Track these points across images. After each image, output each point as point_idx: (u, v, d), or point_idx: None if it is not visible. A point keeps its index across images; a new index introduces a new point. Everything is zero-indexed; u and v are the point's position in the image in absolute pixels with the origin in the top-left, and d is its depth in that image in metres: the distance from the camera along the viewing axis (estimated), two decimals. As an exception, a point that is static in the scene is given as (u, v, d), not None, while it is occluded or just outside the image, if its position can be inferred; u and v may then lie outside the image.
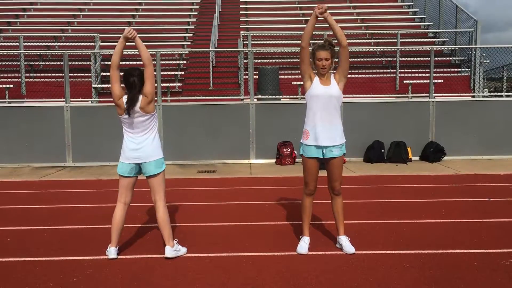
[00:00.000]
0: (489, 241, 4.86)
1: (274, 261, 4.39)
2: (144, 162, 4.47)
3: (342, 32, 4.49)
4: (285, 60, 14.55)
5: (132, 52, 14.54)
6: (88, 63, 13.68)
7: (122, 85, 4.52)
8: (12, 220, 5.88)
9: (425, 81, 12.12)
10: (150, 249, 4.74)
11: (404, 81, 13.23)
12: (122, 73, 4.51)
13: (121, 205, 4.55)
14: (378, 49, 14.95)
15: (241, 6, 19.46)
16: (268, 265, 4.29)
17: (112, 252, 4.48)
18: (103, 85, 13.43)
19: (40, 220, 5.88)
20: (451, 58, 15.21)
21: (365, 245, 4.74)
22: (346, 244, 4.58)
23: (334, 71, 4.66)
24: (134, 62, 14.31)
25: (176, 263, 4.37)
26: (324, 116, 4.47)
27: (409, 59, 14.55)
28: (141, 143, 4.46)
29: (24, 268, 4.31)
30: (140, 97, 4.41)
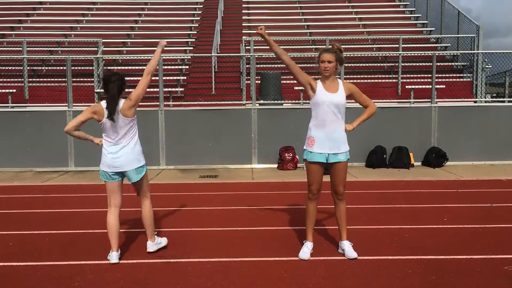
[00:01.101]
0: (491, 247, 4.84)
1: (276, 266, 4.38)
2: (125, 171, 4.53)
3: (373, 105, 4.68)
4: (287, 65, 14.56)
5: (135, 57, 14.61)
6: (90, 68, 13.74)
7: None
8: (14, 224, 5.89)
9: (427, 86, 12.11)
10: (151, 254, 4.73)
11: (406, 86, 13.22)
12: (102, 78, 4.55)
13: (112, 209, 4.59)
14: (380, 55, 14.96)
15: (243, 11, 19.52)
16: (270, 270, 4.28)
17: (114, 256, 4.48)
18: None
19: (42, 224, 5.89)
20: (453, 64, 15.21)
21: (367, 250, 4.73)
22: (348, 249, 4.57)
23: (339, 76, 4.67)
24: (136, 67, 14.38)
25: (178, 268, 4.37)
26: (329, 123, 4.46)
27: (411, 64, 14.57)
28: (122, 150, 4.50)
29: (25, 272, 4.31)
30: (121, 101, 4.46)
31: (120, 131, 4.49)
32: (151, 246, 4.73)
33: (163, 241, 4.86)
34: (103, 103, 4.47)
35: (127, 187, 4.78)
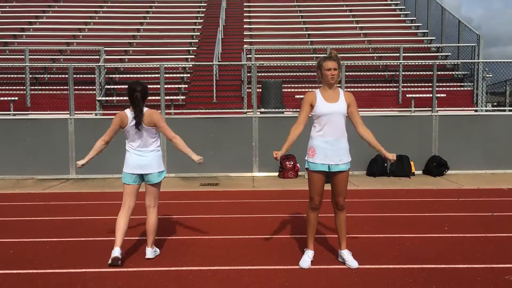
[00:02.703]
0: (492, 256, 4.84)
1: (276, 275, 4.37)
2: (148, 174, 4.75)
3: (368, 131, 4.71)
4: (288, 73, 14.63)
5: (136, 65, 14.67)
6: (92, 76, 13.79)
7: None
8: (15, 232, 5.89)
9: (427, 95, 12.14)
10: (152, 262, 4.74)
11: (407, 95, 13.25)
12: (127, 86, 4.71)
13: (125, 208, 4.78)
14: (381, 63, 15.01)
15: (244, 20, 19.62)
16: (270, 279, 4.28)
17: (116, 250, 4.58)
18: (107, 98, 13.51)
19: (42, 232, 5.89)
20: (453, 73, 15.25)
21: (368, 259, 4.72)
22: (348, 258, 4.56)
23: (339, 85, 4.68)
24: (138, 75, 14.43)
25: (178, 276, 4.36)
26: (331, 133, 4.45)
27: (411, 73, 14.60)
28: (145, 154, 4.73)
29: (26, 280, 4.30)
30: (144, 109, 4.67)
31: (143, 138, 4.73)
32: (151, 253, 4.83)
33: (158, 250, 5.02)
34: (128, 111, 4.70)
35: (139, 197, 4.85)
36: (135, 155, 4.73)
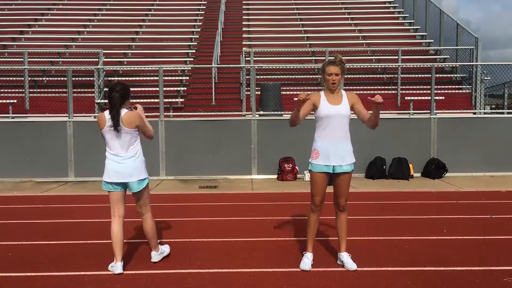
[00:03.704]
0: (491, 258, 4.84)
1: (275, 277, 4.37)
2: (127, 182, 4.52)
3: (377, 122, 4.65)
4: (287, 76, 14.65)
5: (135, 68, 14.68)
6: (91, 78, 13.79)
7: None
8: (13, 235, 5.88)
9: (426, 97, 12.16)
10: (151, 265, 4.73)
11: (406, 98, 13.27)
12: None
13: (115, 219, 4.57)
14: (380, 66, 15.02)
15: (243, 23, 19.65)
16: (269, 281, 4.28)
17: (118, 267, 4.47)
18: (106, 101, 13.50)
19: (41, 235, 5.88)
20: (452, 75, 15.28)
21: (367, 261, 4.72)
22: (348, 260, 4.57)
23: (350, 92, 4.68)
24: (137, 78, 14.44)
25: (177, 279, 4.36)
26: (334, 135, 4.46)
27: (410, 75, 14.62)
28: (124, 161, 4.48)
29: (24, 283, 4.30)
30: (123, 111, 4.44)
31: (122, 141, 4.47)
32: (156, 257, 4.75)
33: (166, 249, 4.91)
34: (106, 113, 4.46)
35: (129, 198, 4.76)
36: (113, 162, 4.47)
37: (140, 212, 4.71)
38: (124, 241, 4.73)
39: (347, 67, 11.24)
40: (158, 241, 4.88)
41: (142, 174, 4.57)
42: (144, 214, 4.71)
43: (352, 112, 4.61)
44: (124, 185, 4.57)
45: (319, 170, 4.49)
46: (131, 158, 4.50)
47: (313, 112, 4.57)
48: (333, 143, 4.46)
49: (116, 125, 4.36)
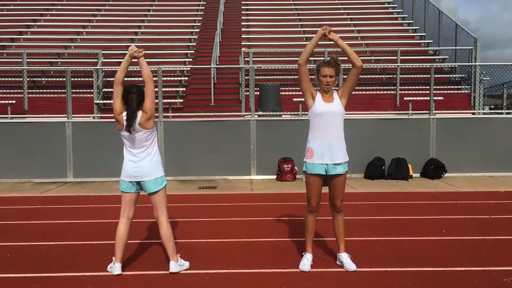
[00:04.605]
0: (490, 259, 4.84)
1: (274, 278, 4.37)
2: (144, 180, 4.47)
3: (355, 54, 4.48)
4: (286, 76, 14.65)
5: (135, 69, 14.67)
6: (90, 79, 13.78)
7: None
8: (12, 236, 5.87)
9: (425, 98, 12.16)
10: (150, 265, 4.73)
11: (405, 98, 13.28)
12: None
13: (124, 220, 4.53)
14: (379, 66, 15.03)
15: (242, 23, 19.65)
16: (268, 282, 4.27)
17: (117, 268, 4.45)
18: (105, 101, 13.50)
19: (40, 235, 5.87)
20: (451, 76, 15.29)
21: (366, 262, 4.72)
22: (347, 261, 4.56)
23: (337, 88, 4.68)
24: (137, 79, 14.42)
25: (176, 280, 4.36)
26: (328, 134, 4.46)
27: (409, 76, 14.64)
28: (141, 161, 4.46)
29: (23, 284, 4.29)
30: (139, 113, 4.43)
31: (139, 142, 4.47)
32: (174, 267, 4.49)
33: (186, 264, 4.63)
34: (124, 114, 4.45)
35: (138, 199, 4.71)
36: (130, 161, 4.47)
37: (156, 216, 4.58)
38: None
39: (346, 67, 11.26)
40: (179, 254, 4.65)
41: (159, 172, 4.54)
42: (159, 217, 4.55)
43: (348, 111, 4.60)
44: (140, 187, 4.53)
45: (313, 171, 4.49)
46: (147, 157, 4.48)
47: (308, 111, 4.58)
48: (327, 142, 4.46)
49: (130, 126, 4.36)
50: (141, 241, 5.55)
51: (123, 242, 4.49)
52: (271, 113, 11.19)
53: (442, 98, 13.07)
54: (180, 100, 13.72)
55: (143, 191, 4.58)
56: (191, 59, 16.29)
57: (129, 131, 4.39)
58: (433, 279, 4.31)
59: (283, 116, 11.36)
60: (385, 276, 4.40)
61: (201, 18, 20.22)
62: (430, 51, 16.82)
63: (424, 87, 13.39)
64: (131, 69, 15.56)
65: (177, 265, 4.52)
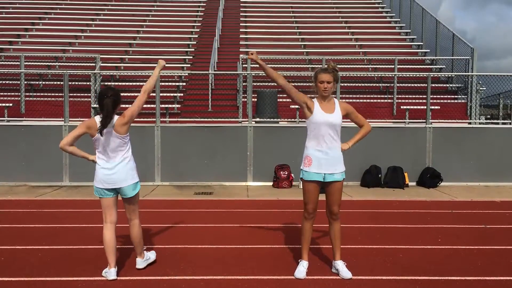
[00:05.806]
0: (485, 268, 4.85)
1: (270, 285, 4.36)
2: (119, 187, 4.50)
3: (367, 124, 4.74)
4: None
5: (132, 73, 14.68)
6: (88, 83, 13.77)
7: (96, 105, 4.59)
8: (6, 239, 5.84)
9: (422, 107, 12.22)
10: (145, 271, 4.71)
11: (401, 107, 13.33)
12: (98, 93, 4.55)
13: (107, 225, 4.55)
14: (376, 75, 15.10)
15: (241, 30, 19.72)
16: (264, 289, 4.26)
17: (112, 273, 4.44)
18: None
19: (35, 239, 5.84)
20: (447, 85, 15.37)
21: (362, 270, 4.72)
22: (342, 269, 4.56)
23: (334, 95, 4.70)
24: (133, 83, 14.42)
25: (170, 286, 4.34)
26: (326, 143, 4.48)
27: (406, 85, 14.70)
28: (115, 168, 4.48)
29: (17, 288, 4.27)
30: (115, 117, 4.45)
31: (113, 147, 4.47)
32: (141, 263, 4.73)
33: (151, 256, 4.88)
34: (97, 118, 4.46)
35: (120, 203, 4.75)
36: (103, 169, 4.48)
37: (129, 217, 4.69)
38: (118, 246, 4.70)
39: (344, 75, 11.31)
40: (146, 247, 4.87)
41: (135, 178, 4.59)
42: (133, 219, 4.69)
43: (346, 120, 4.64)
44: (116, 191, 4.55)
45: (310, 178, 4.51)
46: (122, 163, 4.49)
47: (306, 120, 4.60)
48: (325, 151, 4.48)
49: (102, 131, 4.36)
50: (133, 246, 5.52)
51: (113, 247, 4.50)
52: (268, 119, 11.20)
53: (439, 107, 13.13)
54: (177, 106, 13.73)
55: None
56: (189, 65, 16.32)
57: (102, 135, 4.39)
58: (428, 288, 4.30)
59: (280, 122, 11.38)
60: (380, 284, 4.39)
61: (199, 24, 20.29)
62: (427, 61, 16.91)
63: (421, 96, 13.44)
64: (131, 73, 15.52)
65: (143, 261, 4.75)
